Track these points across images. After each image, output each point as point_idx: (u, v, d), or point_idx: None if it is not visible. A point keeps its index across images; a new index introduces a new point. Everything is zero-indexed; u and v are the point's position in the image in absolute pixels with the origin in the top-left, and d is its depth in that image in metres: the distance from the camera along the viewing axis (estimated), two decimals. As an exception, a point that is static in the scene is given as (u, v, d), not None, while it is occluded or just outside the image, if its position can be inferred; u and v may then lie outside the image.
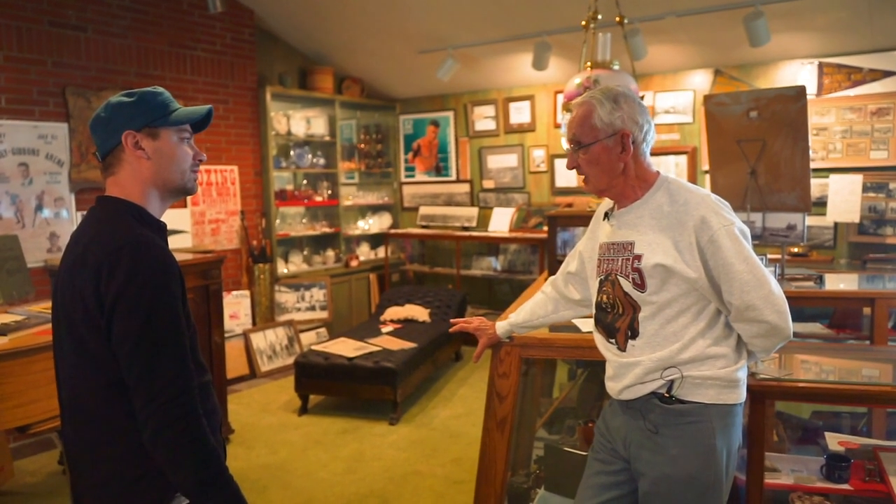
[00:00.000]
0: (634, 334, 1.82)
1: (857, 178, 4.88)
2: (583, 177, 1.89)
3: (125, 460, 1.42)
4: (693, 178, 5.80)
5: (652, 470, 1.80)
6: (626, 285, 1.81)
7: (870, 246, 5.00)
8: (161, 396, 1.35)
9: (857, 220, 4.87)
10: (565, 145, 6.68)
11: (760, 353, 1.83)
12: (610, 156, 1.80)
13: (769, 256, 2.78)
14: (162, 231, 1.55)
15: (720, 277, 1.72)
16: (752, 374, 2.36)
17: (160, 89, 1.56)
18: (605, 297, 1.89)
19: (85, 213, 1.53)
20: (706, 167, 5.67)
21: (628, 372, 1.82)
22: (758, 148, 3.15)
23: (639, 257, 1.78)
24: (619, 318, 1.85)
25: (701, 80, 5.74)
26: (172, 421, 1.35)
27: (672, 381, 1.76)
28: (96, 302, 1.37)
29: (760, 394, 2.28)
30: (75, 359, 1.45)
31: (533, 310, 2.29)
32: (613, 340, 1.88)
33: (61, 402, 1.56)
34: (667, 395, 1.77)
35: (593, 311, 1.96)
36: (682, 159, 5.81)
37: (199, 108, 1.58)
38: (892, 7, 4.30)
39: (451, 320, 2.47)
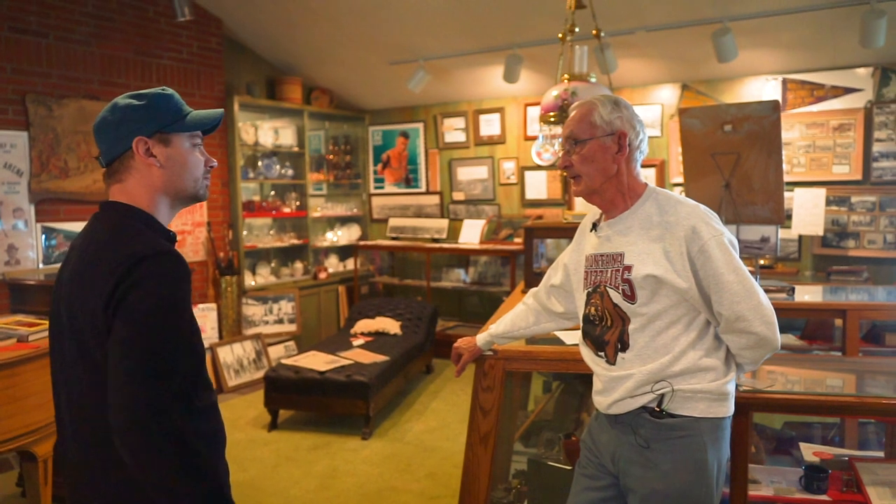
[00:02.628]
0: (625, 347, 1.80)
1: (821, 192, 5.00)
2: (573, 179, 1.86)
3: (135, 482, 1.33)
4: (661, 190, 5.86)
5: (642, 486, 1.77)
6: (616, 297, 1.80)
7: (833, 258, 5.12)
8: (142, 410, 1.26)
9: (820, 232, 4.98)
10: (535, 158, 6.68)
11: (748, 364, 1.83)
12: (605, 155, 1.80)
13: (746, 268, 2.81)
14: (172, 242, 1.49)
15: (710, 287, 1.72)
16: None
17: (170, 91, 1.50)
18: (593, 309, 1.87)
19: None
20: (675, 179, 5.75)
21: (619, 385, 1.80)
22: (732, 161, 3.19)
23: (629, 268, 1.77)
24: (607, 330, 1.83)
25: (668, 95, 5.83)
26: (153, 440, 1.26)
27: (663, 395, 1.75)
28: (104, 310, 1.30)
29: (743, 405, 2.29)
30: (80, 372, 1.37)
31: (514, 321, 2.27)
32: (602, 354, 1.86)
33: (61, 421, 1.46)
34: (657, 409, 1.76)
35: (580, 324, 1.94)
36: (651, 172, 5.88)
37: (212, 111, 1.53)
38: (853, 26, 4.42)
39: (457, 368, 2.37)
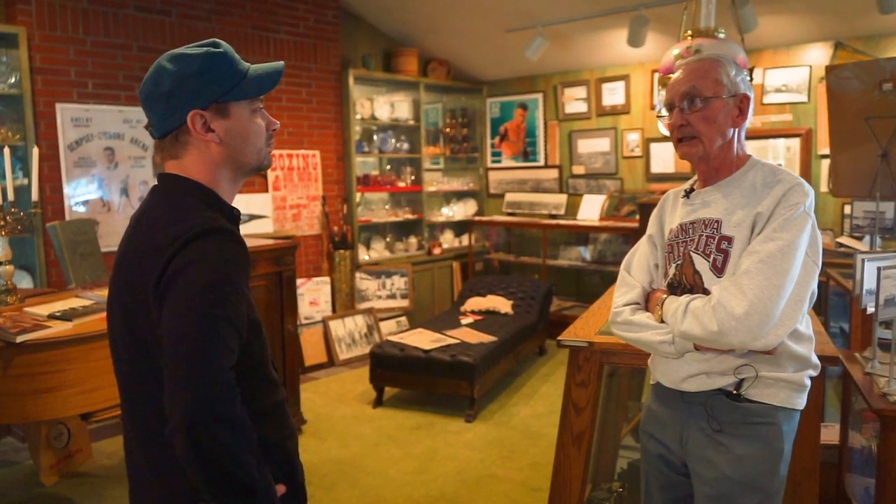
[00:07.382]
0: None
1: None
2: (684, 140, 1.64)
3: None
4: (807, 163, 5.25)
5: (711, 470, 1.61)
6: (701, 264, 1.60)
7: None
8: (190, 403, 1.10)
9: None
10: (662, 128, 6.22)
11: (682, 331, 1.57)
12: (727, 117, 1.63)
13: (904, 253, 2.36)
14: (235, 219, 1.35)
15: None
16: (883, 396, 1.99)
17: (222, 47, 1.30)
18: (675, 276, 1.69)
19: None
20: (822, 151, 5.13)
21: (695, 361, 1.60)
22: (892, 126, 2.71)
23: (728, 239, 1.57)
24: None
25: (818, 55, 5.18)
26: (201, 437, 1.10)
27: (743, 379, 1.57)
28: (154, 292, 1.18)
29: (893, 420, 1.91)
30: (131, 352, 1.27)
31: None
32: None
33: (123, 410, 1.36)
34: (735, 391, 1.58)
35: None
36: (795, 143, 5.28)
37: (272, 65, 1.34)
38: None
39: None
